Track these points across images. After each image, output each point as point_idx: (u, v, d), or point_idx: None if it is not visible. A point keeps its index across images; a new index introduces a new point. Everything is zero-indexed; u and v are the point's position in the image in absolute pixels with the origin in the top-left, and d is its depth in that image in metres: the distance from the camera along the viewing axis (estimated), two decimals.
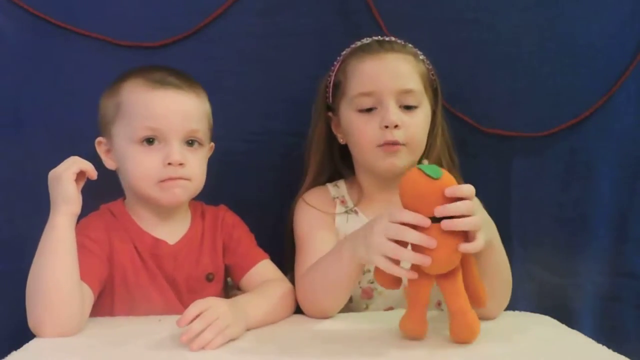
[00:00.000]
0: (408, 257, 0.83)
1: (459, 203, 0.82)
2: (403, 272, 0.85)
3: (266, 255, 1.16)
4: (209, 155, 1.15)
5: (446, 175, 0.84)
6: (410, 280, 0.88)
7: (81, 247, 1.00)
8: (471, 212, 0.83)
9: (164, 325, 0.95)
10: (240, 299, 1.01)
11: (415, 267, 0.85)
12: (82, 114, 1.24)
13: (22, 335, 0.92)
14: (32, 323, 0.93)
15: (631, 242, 1.37)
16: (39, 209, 1.27)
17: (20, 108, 1.26)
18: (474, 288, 0.87)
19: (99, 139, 1.11)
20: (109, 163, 1.10)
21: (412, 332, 0.90)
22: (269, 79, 1.31)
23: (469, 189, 0.84)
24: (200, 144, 1.10)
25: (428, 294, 0.88)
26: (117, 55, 1.25)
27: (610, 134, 1.36)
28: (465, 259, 0.86)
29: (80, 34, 1.25)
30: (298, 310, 1.06)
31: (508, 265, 0.99)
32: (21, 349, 0.88)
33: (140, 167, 1.06)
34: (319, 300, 1.02)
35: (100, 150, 1.11)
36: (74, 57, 1.26)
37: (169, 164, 1.05)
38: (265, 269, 1.14)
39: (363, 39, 1.18)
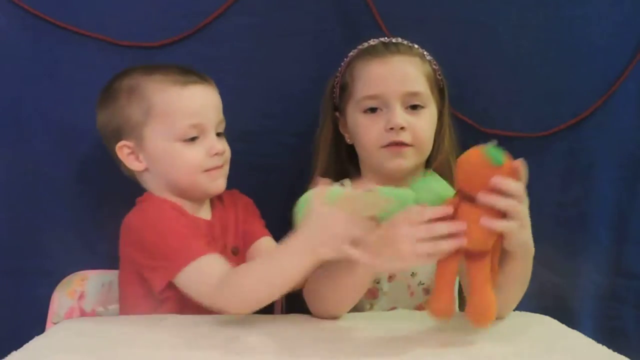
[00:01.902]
0: (447, 246, 0.83)
1: (511, 182, 0.83)
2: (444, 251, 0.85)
3: (269, 234, 1.19)
4: None
5: (507, 163, 0.84)
6: (438, 261, 0.88)
7: (174, 232, 1.03)
8: (520, 196, 0.84)
9: (165, 325, 0.95)
10: None
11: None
12: (82, 114, 1.24)
13: (22, 335, 0.92)
14: None
15: (631, 242, 1.37)
16: (39, 209, 1.28)
17: (20, 108, 1.26)
18: (482, 299, 0.86)
19: (122, 143, 1.10)
20: (135, 165, 1.11)
21: (440, 312, 0.89)
22: (268, 79, 1.31)
23: (516, 186, 0.84)
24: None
25: (455, 273, 0.88)
26: (117, 55, 1.25)
27: (610, 134, 1.36)
28: (488, 266, 0.85)
29: (80, 34, 1.25)
30: (300, 310, 1.05)
31: (530, 274, 0.98)
32: (21, 349, 0.88)
33: (186, 161, 1.09)
34: (328, 307, 1.01)
35: (122, 153, 1.11)
36: (74, 57, 1.26)
37: (216, 154, 1.10)
38: (270, 243, 1.17)
39: (369, 40, 1.18)
